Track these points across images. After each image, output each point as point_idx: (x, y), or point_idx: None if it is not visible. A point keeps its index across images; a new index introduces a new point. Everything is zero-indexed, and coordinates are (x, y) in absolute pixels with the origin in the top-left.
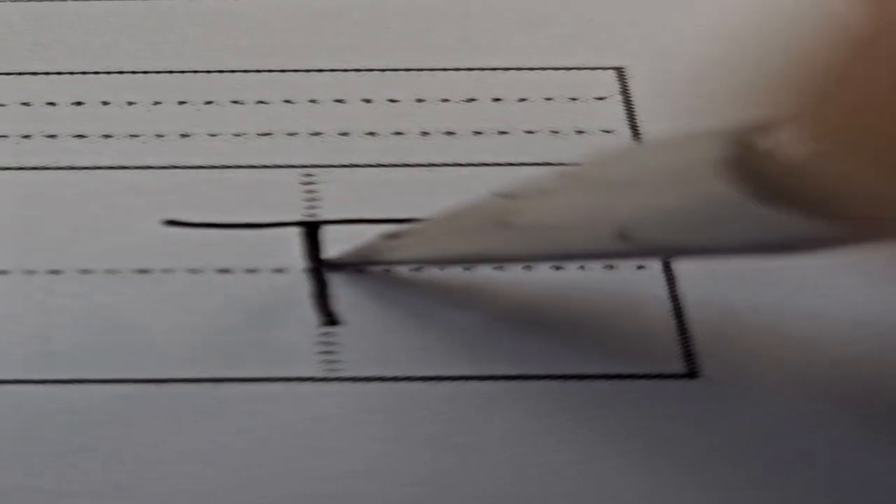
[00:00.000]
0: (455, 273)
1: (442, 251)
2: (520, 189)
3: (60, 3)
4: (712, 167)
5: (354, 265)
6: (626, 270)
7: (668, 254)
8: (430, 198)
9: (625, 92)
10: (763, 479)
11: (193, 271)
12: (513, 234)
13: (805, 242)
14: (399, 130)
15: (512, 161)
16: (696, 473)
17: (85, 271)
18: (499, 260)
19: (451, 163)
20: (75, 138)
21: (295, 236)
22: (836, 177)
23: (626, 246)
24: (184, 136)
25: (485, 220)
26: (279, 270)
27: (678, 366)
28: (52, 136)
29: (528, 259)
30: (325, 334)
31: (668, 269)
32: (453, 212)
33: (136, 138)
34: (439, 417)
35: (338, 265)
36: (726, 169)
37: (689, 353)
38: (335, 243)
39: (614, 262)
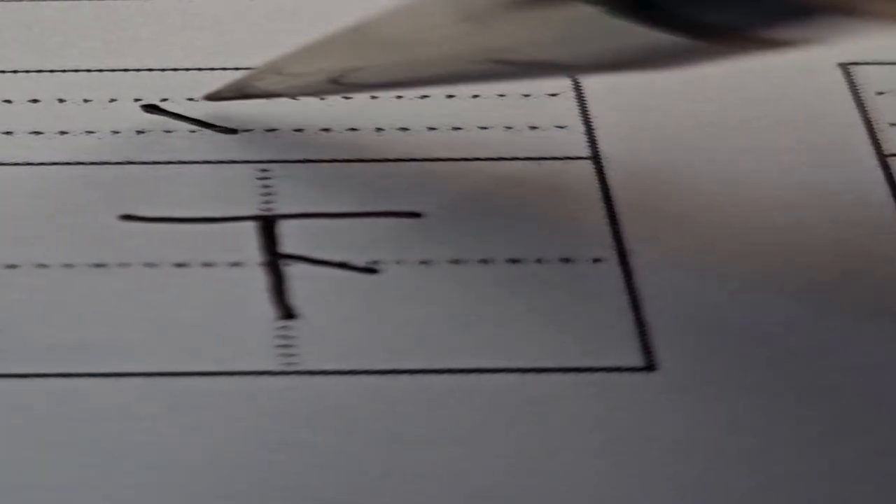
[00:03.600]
0: (413, 261)
1: (314, 75)
2: (397, 7)
3: (16, 2)
4: None
5: (233, 98)
6: (582, 263)
7: (534, 74)
8: (384, 192)
9: (577, 88)
10: (722, 472)
11: (149, 265)
12: (379, 51)
13: (658, 56)
14: (354, 126)
15: (466, 156)
16: (654, 467)
17: (41, 265)
18: (364, 86)
19: (405, 158)
20: (31, 135)
21: (251, 230)
22: None
23: (496, 68)
24: (140, 132)
25: (357, 37)
26: (236, 264)
27: (636, 359)
28: (8, 133)
29: (389, 84)
30: (282, 328)
31: (624, 262)
32: (334, 32)
33: (92, 134)
34: (397, 411)
35: (218, 97)
36: None
37: (646, 346)
38: (291, 237)
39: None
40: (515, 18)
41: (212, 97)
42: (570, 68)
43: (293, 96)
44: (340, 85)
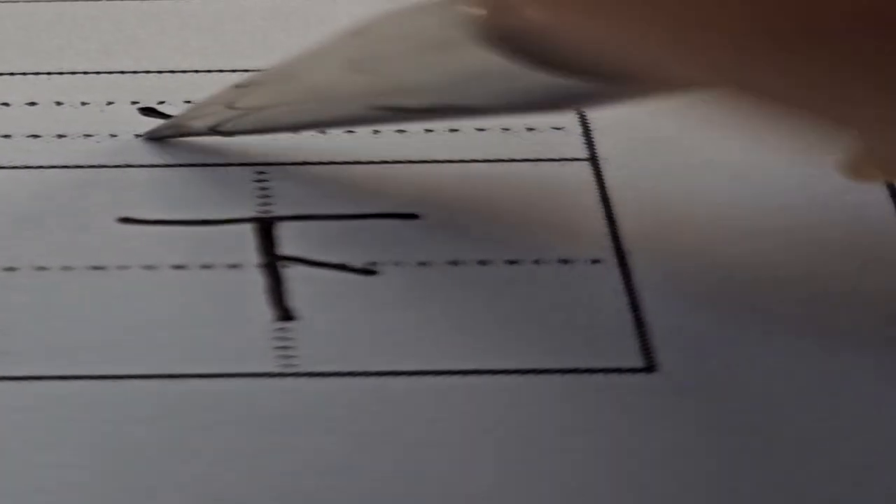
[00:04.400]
0: (411, 263)
1: (202, 120)
2: (257, 76)
3: (13, 3)
4: (466, 31)
5: (170, 136)
6: (581, 264)
7: (431, 117)
8: (382, 194)
9: None
10: (721, 472)
11: (148, 268)
12: (279, 104)
13: (563, 100)
14: (350, 129)
15: (464, 158)
16: (654, 468)
17: (40, 268)
18: (242, 132)
19: (403, 160)
20: (29, 138)
21: (249, 233)
22: (582, 37)
23: (386, 114)
24: (137, 135)
25: (266, 87)
26: (234, 266)
27: (635, 360)
28: (6, 136)
29: (289, 128)
30: (280, 330)
31: (623, 263)
32: (249, 79)
33: (90, 138)
34: (396, 412)
35: (155, 137)
36: (480, 32)
37: (646, 347)
38: (289, 239)
39: (566, 259)
40: (410, 64)
41: (151, 136)
42: (465, 111)
43: (230, 135)
44: (217, 132)
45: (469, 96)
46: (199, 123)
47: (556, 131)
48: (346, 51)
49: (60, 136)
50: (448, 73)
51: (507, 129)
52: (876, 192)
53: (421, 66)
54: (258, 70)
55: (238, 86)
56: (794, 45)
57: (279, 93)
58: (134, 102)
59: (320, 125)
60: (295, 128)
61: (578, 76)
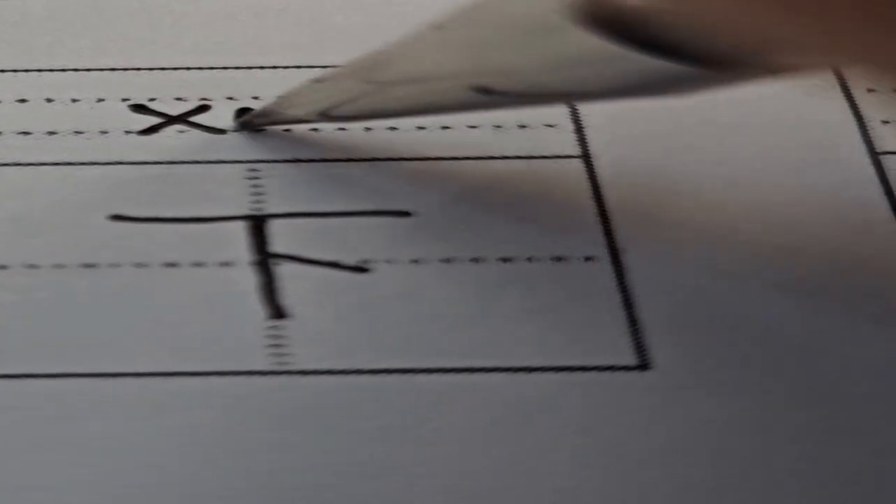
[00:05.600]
0: (404, 260)
1: (309, 106)
2: (390, 46)
3: (3, 0)
4: (568, 14)
5: (263, 124)
6: (574, 262)
7: (531, 102)
8: (374, 191)
9: None
10: (716, 471)
11: (140, 265)
12: (377, 89)
13: (663, 84)
14: (342, 126)
15: (456, 155)
16: (648, 465)
17: (32, 266)
18: (368, 115)
19: (395, 157)
20: (20, 135)
21: (241, 230)
22: (686, 19)
23: (487, 98)
24: (128, 132)
25: (358, 75)
26: (226, 264)
27: (629, 357)
28: None
29: (392, 114)
30: (273, 327)
31: (616, 260)
32: (338, 69)
33: (81, 135)
34: (389, 410)
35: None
36: (581, 15)
37: (639, 345)
38: (281, 237)
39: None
40: (511, 48)
41: (243, 127)
42: (564, 96)
43: (315, 121)
44: (328, 118)
45: (570, 80)
46: (298, 111)
47: (549, 128)
48: (447, 36)
49: (51, 133)
50: (549, 56)
51: (499, 127)
52: (869, 190)
53: (522, 50)
54: (251, 67)
55: (333, 72)
56: None
57: (379, 79)
58: (125, 100)
59: (419, 112)
60: (397, 114)
61: (681, 60)
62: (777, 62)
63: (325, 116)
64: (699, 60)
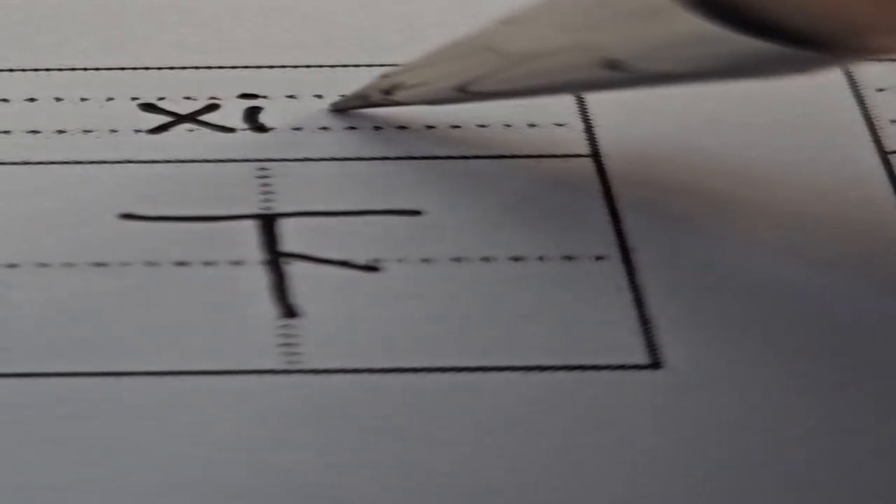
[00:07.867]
0: (414, 259)
1: (438, 82)
2: (514, 15)
3: (10, 0)
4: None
5: (357, 107)
6: (585, 261)
7: (652, 83)
8: (384, 190)
9: None
10: (729, 470)
11: (150, 264)
12: (500, 60)
13: (775, 66)
14: (352, 125)
15: (466, 154)
16: (660, 465)
17: (42, 265)
18: (490, 94)
19: (405, 156)
20: (29, 134)
21: (252, 229)
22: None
23: (614, 75)
24: (137, 131)
25: (478, 46)
26: (236, 263)
27: (641, 356)
28: (6, 133)
29: (514, 92)
30: (284, 326)
31: (627, 259)
32: (452, 42)
33: (90, 133)
34: (401, 409)
35: (342, 108)
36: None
37: (651, 344)
38: (291, 236)
39: (570, 255)
40: (617, 31)
41: (338, 108)
42: (676, 77)
43: (415, 104)
44: (465, 93)
45: (676, 62)
46: (423, 90)
47: (559, 127)
48: (553, 18)
49: (60, 132)
50: (656, 39)
51: (508, 126)
52: (878, 189)
53: (628, 33)
54: (260, 66)
55: (426, 59)
56: None
57: (509, 50)
58: (134, 98)
59: (553, 90)
60: (533, 91)
61: (788, 42)
62: (878, 44)
63: (462, 92)
64: (804, 42)
